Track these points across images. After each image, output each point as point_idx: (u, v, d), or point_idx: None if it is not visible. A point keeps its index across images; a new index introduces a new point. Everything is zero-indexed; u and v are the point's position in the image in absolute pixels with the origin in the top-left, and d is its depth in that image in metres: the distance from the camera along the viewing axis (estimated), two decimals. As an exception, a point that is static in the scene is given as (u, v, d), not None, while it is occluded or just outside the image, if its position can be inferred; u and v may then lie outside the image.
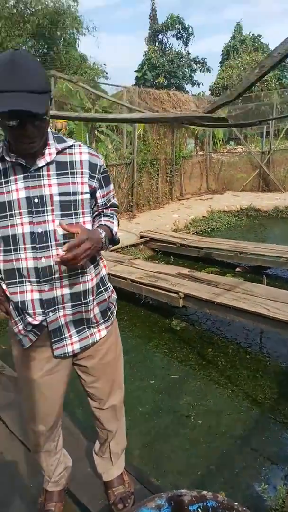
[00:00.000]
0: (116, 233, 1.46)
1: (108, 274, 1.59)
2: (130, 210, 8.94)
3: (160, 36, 28.68)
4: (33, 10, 17.67)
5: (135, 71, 27.58)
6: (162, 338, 4.09)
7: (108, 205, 1.47)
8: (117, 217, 1.51)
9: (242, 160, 11.93)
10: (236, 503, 1.45)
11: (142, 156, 9.07)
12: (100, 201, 1.42)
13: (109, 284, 1.56)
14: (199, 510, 1.50)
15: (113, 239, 1.45)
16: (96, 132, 8.69)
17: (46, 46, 18.62)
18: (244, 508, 1.43)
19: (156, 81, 26.01)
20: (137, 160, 8.70)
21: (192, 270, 5.07)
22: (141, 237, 7.08)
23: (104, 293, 1.49)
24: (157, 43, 28.66)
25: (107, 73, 21.37)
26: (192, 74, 28.37)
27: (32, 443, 1.59)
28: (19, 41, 17.36)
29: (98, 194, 1.40)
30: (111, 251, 6.42)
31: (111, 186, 1.47)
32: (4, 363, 2.99)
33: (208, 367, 3.51)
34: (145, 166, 9.18)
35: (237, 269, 5.98)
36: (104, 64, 21.76)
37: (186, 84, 28.16)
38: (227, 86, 22.25)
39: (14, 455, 2.00)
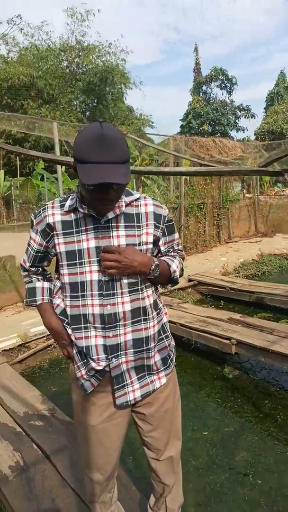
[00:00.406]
0: (175, 271, 1.48)
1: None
2: (178, 253, 8.98)
3: (204, 87, 30.00)
4: (85, 69, 19.38)
5: (180, 119, 28.78)
6: (214, 386, 3.92)
7: (172, 250, 1.50)
8: (180, 260, 1.54)
9: (292, 203, 11.74)
10: None
11: (189, 200, 9.22)
12: (162, 248, 1.48)
13: (169, 331, 1.56)
14: None
15: (171, 278, 1.48)
16: (143, 177, 9.02)
17: (95, 101, 20.12)
18: None
19: (201, 128, 26.91)
20: (184, 204, 8.86)
21: (244, 316, 4.91)
22: (189, 280, 7.03)
23: (165, 340, 1.50)
24: (201, 94, 29.95)
25: (153, 122, 22.50)
26: (237, 121, 29.08)
27: (88, 492, 1.55)
28: (71, 97, 18.95)
29: (160, 242, 1.46)
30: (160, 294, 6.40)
31: (176, 235, 1.53)
32: (55, 405, 3.00)
33: (266, 421, 3.29)
34: (192, 210, 9.30)
35: (292, 315, 5.71)
36: (150, 115, 23.03)
37: (231, 130, 28.84)
38: (273, 131, 22.50)
39: (66, 503, 1.95)
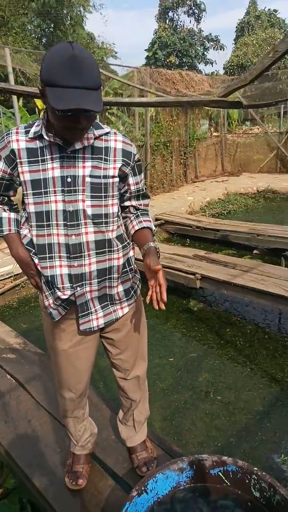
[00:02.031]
0: (154, 229, 1.53)
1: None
2: (145, 193, 8.92)
3: (170, 14, 27.92)
4: (38, -13, 17.29)
5: (145, 50, 26.99)
6: (179, 318, 4.13)
7: (141, 193, 1.50)
8: (149, 211, 1.57)
9: (259, 141, 11.69)
10: (255, 468, 1.49)
11: (155, 138, 8.98)
12: (133, 188, 1.46)
13: (135, 265, 1.60)
14: (220, 473, 1.55)
15: (153, 235, 1.53)
16: (107, 114, 8.62)
17: (52, 26, 18.35)
18: (264, 473, 1.47)
19: (168, 60, 25.44)
20: (150, 143, 8.63)
21: (208, 252, 5.07)
22: (156, 219, 7.06)
23: (129, 273, 1.54)
24: (167, 21, 27.94)
25: (116, 53, 20.97)
26: (205, 53, 27.63)
27: (61, 409, 1.66)
28: (25, 20, 17.12)
29: (131, 181, 1.44)
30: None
31: (143, 175, 1.52)
32: (26, 340, 3.08)
33: (227, 346, 3.54)
34: (158, 148, 9.09)
35: (255, 251, 5.94)
36: (113, 43, 21.32)
37: (199, 63, 27.48)
38: (242, 65, 21.68)
39: (41, 423, 2.09)
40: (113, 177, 1.36)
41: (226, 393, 2.91)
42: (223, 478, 1.56)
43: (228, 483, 1.55)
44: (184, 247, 5.82)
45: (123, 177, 1.41)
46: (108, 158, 1.35)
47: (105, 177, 1.35)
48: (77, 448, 1.75)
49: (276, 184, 9.64)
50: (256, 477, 1.48)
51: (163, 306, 1.31)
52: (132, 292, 1.56)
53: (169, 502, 1.52)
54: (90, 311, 1.44)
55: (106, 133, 1.36)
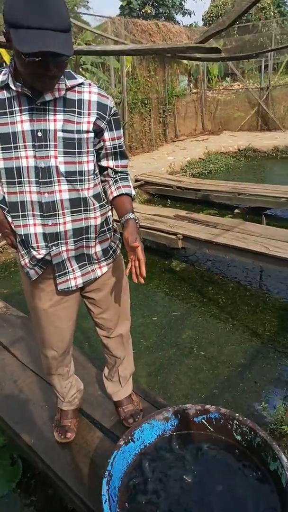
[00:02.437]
0: (134, 195, 1.47)
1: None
2: (124, 154, 8.70)
3: None
4: None
5: (119, -2, 25.35)
6: (162, 278, 4.16)
7: (118, 151, 1.42)
8: (129, 174, 1.50)
9: (239, 98, 11.42)
10: (237, 414, 1.55)
11: (132, 95, 8.65)
12: (108, 143, 1.38)
13: (114, 224, 1.56)
14: (203, 421, 1.61)
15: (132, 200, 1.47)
16: (80, 69, 8.21)
17: None
18: (245, 418, 1.54)
19: (143, 10, 24.06)
20: (127, 100, 8.31)
21: (190, 212, 5.05)
22: (136, 180, 6.95)
23: (107, 232, 1.50)
24: None
25: (88, 2, 19.66)
26: (183, 2, 26.21)
27: (45, 366, 1.68)
28: None
29: (106, 136, 1.36)
30: (108, 195, 6.33)
31: (121, 132, 1.43)
32: (8, 304, 3.06)
33: (209, 304, 3.61)
34: (136, 106, 8.79)
35: (236, 210, 5.95)
36: (84, -8, 19.86)
37: (176, 14, 26.00)
38: (222, 15, 20.73)
39: (28, 383, 2.12)
40: (87, 132, 1.29)
41: (209, 348, 2.99)
42: (207, 425, 1.62)
43: (211, 429, 1.62)
44: (165, 208, 5.77)
45: (98, 132, 1.33)
46: (82, 111, 1.27)
47: (78, 132, 1.27)
48: (64, 404, 1.79)
49: (257, 142, 9.54)
50: (237, 422, 1.54)
51: (142, 281, 1.29)
52: (111, 251, 1.53)
53: (155, 449, 1.58)
54: (67, 270, 1.41)
55: (80, 84, 1.27)
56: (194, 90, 11.62)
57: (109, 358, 1.78)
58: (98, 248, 1.47)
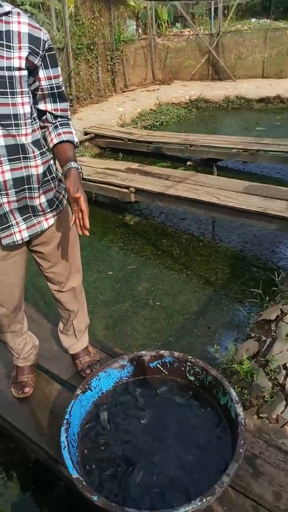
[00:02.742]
0: (77, 142, 1.37)
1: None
2: (70, 104, 8.21)
3: None
4: None
5: None
6: (116, 233, 4.13)
7: (56, 92, 1.30)
8: (71, 118, 1.40)
9: (190, 46, 11.00)
10: (190, 356, 1.61)
11: (76, 40, 8.05)
12: (44, 83, 1.26)
13: (58, 173, 1.47)
14: (158, 366, 1.67)
15: (75, 148, 1.37)
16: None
17: None
18: (197, 360, 1.61)
19: None
20: (71, 45, 7.74)
21: (142, 165, 4.96)
22: (86, 133, 6.66)
23: (51, 182, 1.41)
24: None
25: None
26: None
27: None
28: None
29: (42, 75, 1.24)
30: (56, 149, 6.03)
31: (59, 70, 1.30)
32: None
33: (163, 256, 3.65)
34: (81, 52, 8.22)
35: (188, 162, 5.92)
36: None
37: None
38: None
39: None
40: (19, 69, 1.16)
41: (165, 299, 3.06)
42: (162, 369, 1.68)
43: (166, 373, 1.68)
44: (117, 161, 5.62)
45: (32, 70, 1.20)
46: (11, 45, 1.13)
47: (9, 69, 1.14)
48: (20, 361, 1.77)
49: (208, 92, 9.37)
50: (190, 364, 1.61)
51: (86, 233, 1.24)
52: (57, 202, 1.46)
53: (112, 396, 1.62)
54: (10, 223, 1.33)
55: (7, 13, 1.13)
56: (143, 36, 11.02)
57: (63, 312, 1.76)
58: (43, 199, 1.39)
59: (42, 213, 1.41)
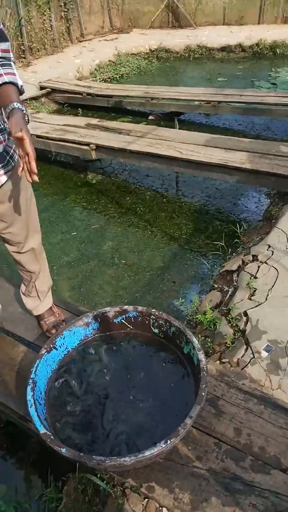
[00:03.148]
0: (22, 86, 1.26)
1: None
2: (23, 56, 7.65)
3: None
4: None
5: None
6: (79, 192, 4.02)
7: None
8: (13, 61, 1.27)
9: (148, -11, 10.34)
10: (153, 310, 1.64)
11: (26, -17, 7.38)
12: None
13: (6, 125, 1.37)
14: (123, 321, 1.69)
15: (20, 94, 1.25)
16: None
17: None
18: (160, 312, 1.63)
19: None
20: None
21: (102, 120, 4.76)
22: (41, 88, 6.26)
23: (0, 134, 1.31)
24: None
25: None
26: None
27: None
28: None
29: None
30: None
31: (9, 43, 1.21)
32: None
33: (128, 214, 3.61)
34: (31, -4, 7.56)
35: (150, 117, 5.74)
36: None
37: None
38: None
39: None
40: None
41: (130, 256, 3.06)
42: (126, 324, 1.70)
43: (131, 327, 1.70)
44: (76, 117, 5.37)
45: None
46: None
47: None
48: (-18, 326, 1.74)
49: (169, 41, 8.95)
50: (154, 317, 1.63)
51: (36, 178, 1.17)
52: (8, 157, 1.37)
53: (78, 353, 1.64)
54: None
55: None
56: (98, -22, 10.21)
57: (24, 274, 1.73)
58: None
59: None
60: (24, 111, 1.19)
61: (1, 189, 1.39)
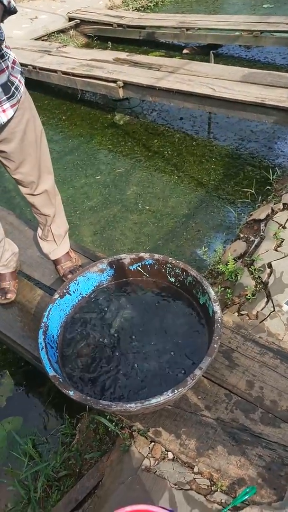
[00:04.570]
0: (9, 2, 1.05)
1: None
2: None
3: None
4: None
5: None
6: (105, 134, 3.85)
7: None
8: None
9: None
10: (170, 258, 1.57)
11: None
12: None
13: (10, 52, 1.25)
14: (139, 268, 1.64)
15: (8, 9, 1.06)
16: None
17: None
18: (177, 261, 1.56)
19: None
20: None
21: (131, 54, 4.43)
22: (70, 19, 5.87)
23: (1, 61, 1.19)
24: None
25: None
26: None
27: None
28: None
29: None
30: (36, 39, 5.38)
31: None
32: None
33: (154, 158, 3.44)
34: None
35: (184, 51, 5.29)
36: None
37: None
38: None
39: None
40: None
41: (154, 202, 2.96)
42: (142, 271, 1.65)
43: (147, 275, 1.66)
44: (105, 51, 5.02)
45: None
46: None
47: None
48: (0, 268, 1.75)
49: None
50: (170, 266, 1.57)
51: None
52: (13, 88, 1.27)
53: (92, 299, 1.62)
54: None
55: None
56: None
57: (39, 217, 1.69)
58: None
59: None
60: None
61: (8, 126, 1.31)
